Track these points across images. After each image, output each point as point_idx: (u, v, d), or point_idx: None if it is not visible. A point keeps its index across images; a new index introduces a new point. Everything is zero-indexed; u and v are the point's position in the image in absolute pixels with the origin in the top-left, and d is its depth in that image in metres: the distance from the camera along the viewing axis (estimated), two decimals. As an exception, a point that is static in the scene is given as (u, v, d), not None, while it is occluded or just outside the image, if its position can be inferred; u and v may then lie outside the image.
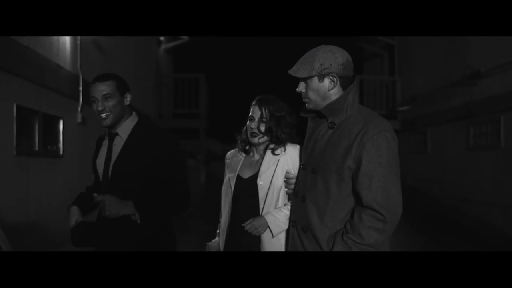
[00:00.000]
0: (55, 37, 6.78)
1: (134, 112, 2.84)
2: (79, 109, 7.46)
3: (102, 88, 2.66)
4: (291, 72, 2.49)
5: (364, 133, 2.35)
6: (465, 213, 10.01)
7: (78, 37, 7.46)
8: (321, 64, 2.41)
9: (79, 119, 7.44)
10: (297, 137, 2.85)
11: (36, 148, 6.30)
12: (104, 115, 2.69)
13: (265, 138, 2.85)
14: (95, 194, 2.59)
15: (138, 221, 2.54)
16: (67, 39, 7.19)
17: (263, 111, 2.83)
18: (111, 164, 2.72)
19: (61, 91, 6.91)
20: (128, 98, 2.77)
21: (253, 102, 2.90)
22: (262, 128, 2.82)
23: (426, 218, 10.53)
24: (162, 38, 14.79)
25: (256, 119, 2.84)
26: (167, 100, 14.51)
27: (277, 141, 2.84)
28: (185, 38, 15.04)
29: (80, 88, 7.40)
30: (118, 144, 2.77)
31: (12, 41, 5.49)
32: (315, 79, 2.44)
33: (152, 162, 2.65)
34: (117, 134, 2.78)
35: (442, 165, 11.33)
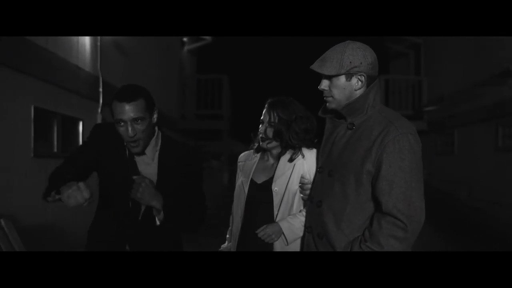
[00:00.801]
0: (74, 39, 6.75)
1: (156, 127, 2.55)
2: (99, 110, 7.42)
3: (132, 110, 2.31)
4: (315, 67, 2.31)
5: (385, 135, 2.20)
6: (494, 216, 9.72)
7: (99, 38, 7.43)
8: (350, 62, 2.26)
9: (99, 120, 7.39)
10: (312, 142, 2.71)
11: (55, 150, 6.27)
12: (135, 142, 2.38)
13: (274, 143, 2.70)
14: (134, 177, 2.32)
15: (158, 222, 2.34)
16: (86, 40, 7.16)
17: (271, 115, 2.68)
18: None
19: (80, 93, 6.88)
20: (155, 116, 2.46)
21: (265, 105, 2.75)
22: (270, 133, 2.68)
23: (453, 221, 10.27)
24: (185, 39, 14.78)
25: (265, 123, 2.70)
26: (190, 101, 14.47)
27: (288, 146, 2.69)
28: (208, 39, 15.00)
29: (100, 90, 7.37)
30: (145, 163, 2.51)
31: (30, 43, 5.45)
32: (342, 77, 2.29)
33: (184, 180, 2.50)
34: (143, 153, 2.50)
35: (470, 167, 11.04)
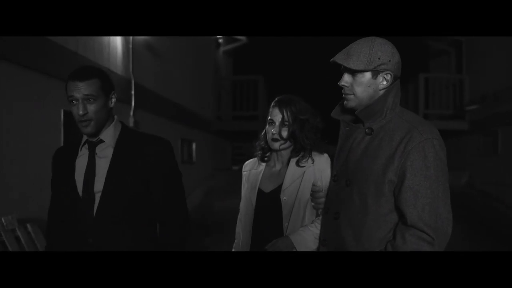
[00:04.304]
0: (105, 42, 6.76)
1: (115, 116, 2.40)
2: (131, 113, 7.41)
3: (85, 88, 2.20)
4: (339, 60, 2.12)
5: (408, 140, 2.03)
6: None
7: (130, 41, 7.43)
8: (378, 58, 2.08)
9: (131, 123, 7.39)
10: (323, 143, 2.55)
11: (86, 154, 6.26)
12: (85, 122, 2.24)
13: (288, 143, 2.53)
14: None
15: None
16: (118, 43, 7.16)
17: (285, 114, 2.50)
18: (96, 177, 2.30)
19: (112, 96, 6.87)
20: (113, 100, 2.33)
21: (272, 104, 2.58)
22: (284, 133, 2.51)
23: (497, 225, 9.88)
24: (220, 40, 14.75)
25: (277, 123, 2.52)
26: (226, 103, 14.43)
27: (301, 148, 2.52)
28: (244, 39, 14.93)
29: (132, 92, 7.39)
30: (104, 153, 2.34)
31: (60, 47, 5.47)
32: (368, 74, 2.11)
33: (147, 172, 2.30)
34: (100, 141, 2.34)
35: (515, 168, 10.60)
